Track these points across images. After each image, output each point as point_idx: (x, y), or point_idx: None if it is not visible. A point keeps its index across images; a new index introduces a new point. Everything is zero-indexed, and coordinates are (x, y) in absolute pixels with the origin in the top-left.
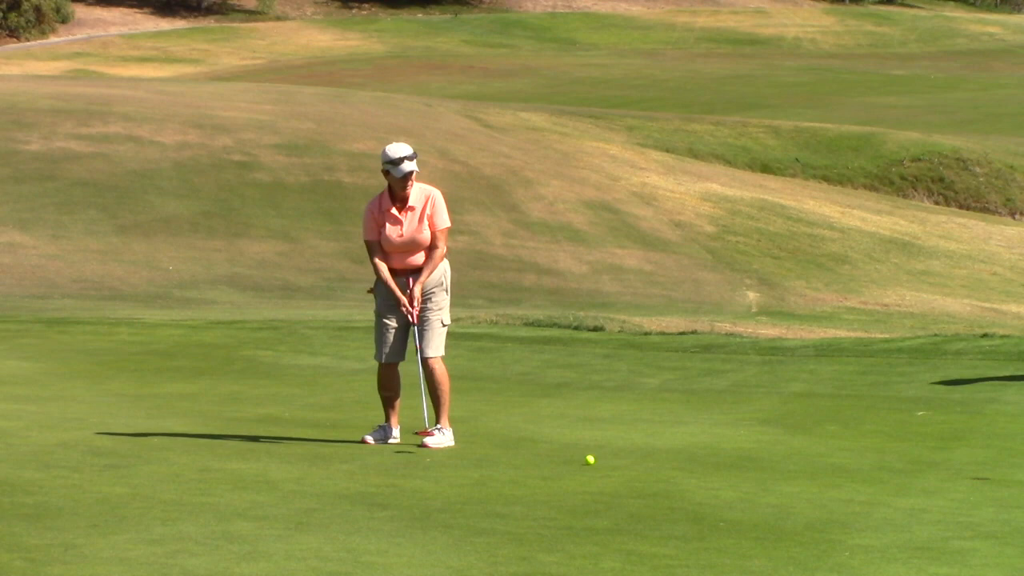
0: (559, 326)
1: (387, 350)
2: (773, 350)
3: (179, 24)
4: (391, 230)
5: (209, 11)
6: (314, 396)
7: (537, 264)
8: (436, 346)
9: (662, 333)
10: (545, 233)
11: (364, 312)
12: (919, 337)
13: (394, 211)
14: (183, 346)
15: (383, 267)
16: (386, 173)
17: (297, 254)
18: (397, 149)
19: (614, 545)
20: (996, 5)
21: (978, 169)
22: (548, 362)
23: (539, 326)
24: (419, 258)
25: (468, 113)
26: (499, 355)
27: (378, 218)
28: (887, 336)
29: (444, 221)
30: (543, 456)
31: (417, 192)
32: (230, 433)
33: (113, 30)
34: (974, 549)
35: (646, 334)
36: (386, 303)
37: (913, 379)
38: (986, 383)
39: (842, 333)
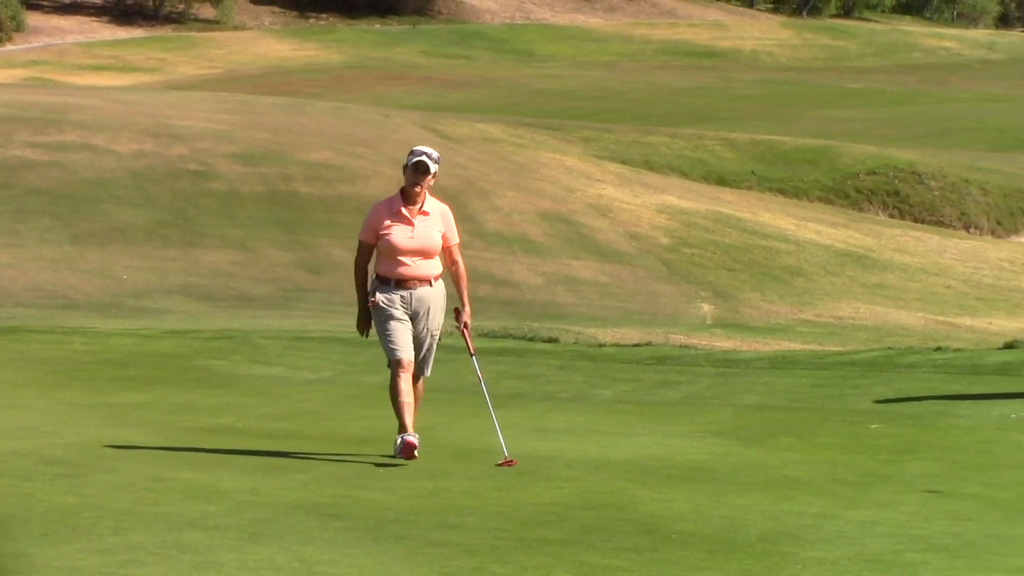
0: (514, 337)
1: (402, 343)
2: (727, 362)
3: (136, 33)
4: (400, 232)
5: (166, 20)
6: (268, 406)
7: (492, 275)
8: (430, 366)
9: (617, 345)
10: (501, 244)
11: (319, 322)
12: (873, 350)
13: (405, 211)
14: (137, 355)
15: (363, 278)
16: (404, 169)
17: (252, 264)
18: (422, 147)
19: (567, 556)
20: (952, 20)
21: (933, 183)
22: (502, 373)
23: (494, 337)
24: (429, 268)
25: (425, 124)
26: (453, 366)
27: (386, 220)
28: (841, 349)
29: (456, 236)
30: (497, 467)
31: (433, 202)
32: (183, 443)
33: (70, 38)
34: (926, 562)
35: (601, 346)
36: (393, 306)
37: (867, 392)
38: (939, 396)
39: (796, 346)
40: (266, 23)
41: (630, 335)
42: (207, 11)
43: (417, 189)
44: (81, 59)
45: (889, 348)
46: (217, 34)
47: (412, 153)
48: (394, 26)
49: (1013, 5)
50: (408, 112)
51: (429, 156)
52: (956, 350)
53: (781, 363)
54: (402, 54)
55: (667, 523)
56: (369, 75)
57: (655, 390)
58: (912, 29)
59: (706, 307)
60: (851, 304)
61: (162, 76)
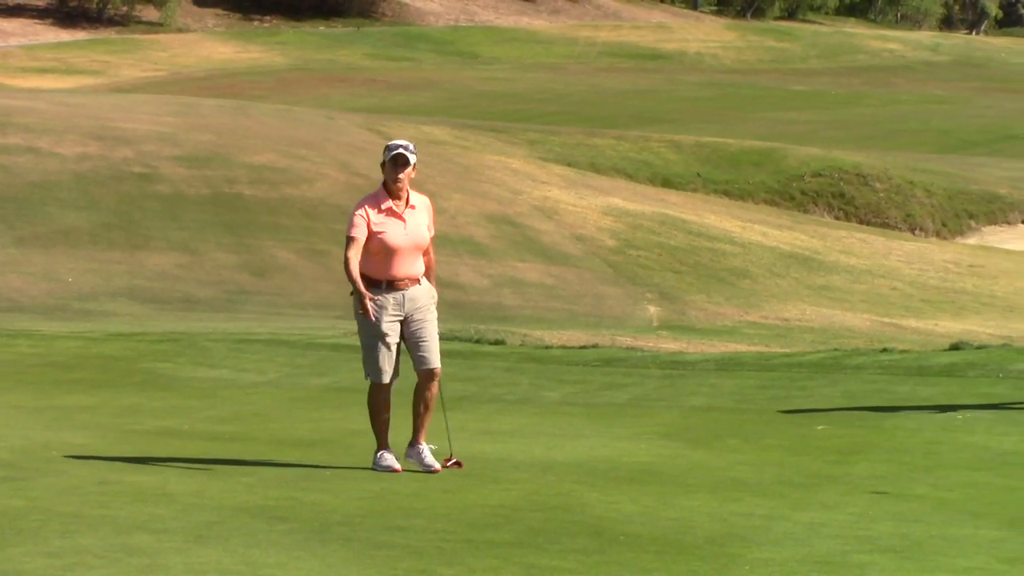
0: (460, 339)
1: (389, 368)
2: (674, 364)
3: (80, 35)
4: (394, 228)
5: (110, 22)
6: (213, 409)
7: (438, 277)
8: (439, 356)
9: (563, 347)
10: (446, 246)
11: (264, 325)
12: (819, 352)
13: (394, 207)
14: (82, 358)
15: (357, 271)
16: (382, 165)
17: (197, 266)
18: (397, 140)
19: (514, 558)
20: (896, 22)
21: (878, 185)
22: (449, 375)
23: (440, 339)
24: (419, 266)
25: (370, 126)
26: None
27: (376, 217)
28: (787, 351)
29: (433, 228)
30: (444, 470)
31: (416, 195)
32: (129, 446)
33: (13, 41)
34: (873, 563)
35: (547, 348)
36: (383, 319)
37: (813, 394)
38: (885, 397)
39: (743, 347)
40: (210, 25)
41: (576, 337)
42: (150, 13)
43: (400, 184)
44: (24, 62)
45: (835, 350)
46: (161, 36)
47: (388, 148)
48: (338, 28)
49: (956, 7)
50: (352, 114)
51: (407, 148)
52: (902, 351)
53: (727, 365)
54: (346, 56)
55: (615, 525)
56: (313, 77)
57: (602, 392)
58: (856, 31)
59: (652, 309)
60: (797, 306)
61: (106, 79)
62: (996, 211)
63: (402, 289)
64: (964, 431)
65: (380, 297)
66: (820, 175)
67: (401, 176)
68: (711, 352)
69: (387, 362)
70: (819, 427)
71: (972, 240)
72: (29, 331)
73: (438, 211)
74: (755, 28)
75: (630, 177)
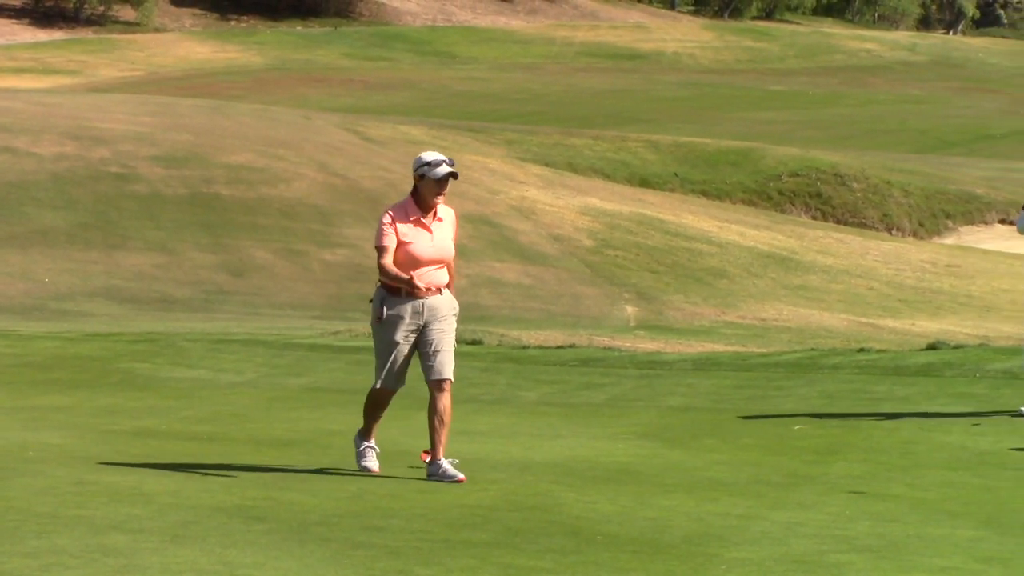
0: None
1: (395, 377)
2: (651, 364)
3: (57, 35)
4: (422, 239)
5: (87, 22)
6: (191, 409)
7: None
8: (453, 368)
9: (540, 347)
10: None
11: (242, 325)
12: (796, 351)
13: (422, 218)
14: (59, 358)
15: (396, 269)
16: (420, 178)
17: (175, 266)
18: (433, 153)
19: (492, 558)
20: (873, 22)
21: (855, 185)
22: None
23: None
24: (442, 276)
25: (347, 126)
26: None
27: (405, 228)
28: (764, 350)
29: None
30: (421, 469)
31: (444, 207)
32: (106, 446)
33: None
34: (850, 562)
35: (525, 348)
36: (399, 329)
37: (790, 393)
38: (863, 398)
39: (720, 347)
40: (187, 25)
41: (554, 337)
42: (128, 13)
43: (440, 200)
44: (1, 61)
45: (812, 349)
46: (138, 36)
47: (433, 163)
48: (316, 28)
49: (934, 7)
50: (330, 114)
51: (452, 164)
52: (879, 351)
53: (705, 365)
54: (324, 56)
55: (592, 525)
56: (291, 77)
57: (579, 392)
58: (833, 31)
59: (630, 309)
60: (774, 306)
61: (83, 78)
62: (973, 211)
63: (422, 298)
64: (941, 431)
65: (398, 309)
66: (797, 175)
67: (443, 192)
68: (688, 352)
69: (399, 371)
70: (796, 427)
71: (949, 240)
72: (6, 331)
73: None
74: (732, 28)
75: (607, 177)
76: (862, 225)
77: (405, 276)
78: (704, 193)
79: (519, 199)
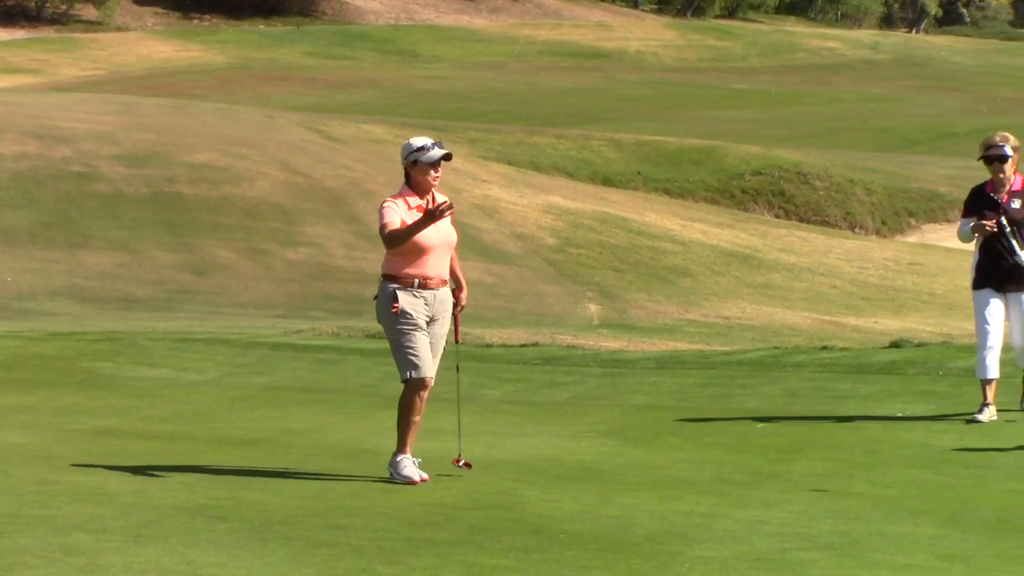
0: None
1: (427, 361)
2: (614, 362)
3: (18, 34)
4: (433, 230)
5: (49, 21)
6: (153, 408)
7: (378, 276)
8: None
9: (504, 345)
10: None
11: (204, 324)
12: (760, 350)
13: (424, 205)
14: (21, 358)
15: (401, 228)
16: (412, 164)
17: (137, 265)
18: (422, 138)
19: (454, 557)
20: (836, 20)
21: (818, 183)
22: (389, 374)
23: (381, 338)
24: (447, 267)
25: (310, 125)
26: (340, 367)
27: (406, 215)
28: (728, 349)
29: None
30: (384, 468)
31: (439, 195)
32: (69, 445)
33: None
34: (813, 560)
35: (488, 346)
36: (418, 315)
37: (753, 391)
38: (826, 396)
39: (683, 346)
40: (149, 24)
41: (517, 335)
42: (90, 12)
43: (436, 183)
44: None
45: (775, 348)
46: (100, 35)
47: (422, 148)
48: (278, 27)
49: (896, 6)
50: (293, 113)
51: (439, 145)
52: (842, 349)
53: (668, 363)
54: (286, 55)
55: (555, 523)
56: (253, 76)
57: (542, 390)
58: (796, 29)
59: (593, 307)
60: (737, 304)
61: (45, 77)
62: (936, 209)
63: (433, 289)
64: (904, 428)
65: (411, 301)
66: (760, 173)
67: (439, 174)
68: (651, 350)
69: (425, 352)
70: (759, 425)
71: (912, 238)
72: None
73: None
74: (695, 27)
75: (570, 176)
76: (825, 223)
77: (415, 221)
78: (667, 191)
79: (482, 198)
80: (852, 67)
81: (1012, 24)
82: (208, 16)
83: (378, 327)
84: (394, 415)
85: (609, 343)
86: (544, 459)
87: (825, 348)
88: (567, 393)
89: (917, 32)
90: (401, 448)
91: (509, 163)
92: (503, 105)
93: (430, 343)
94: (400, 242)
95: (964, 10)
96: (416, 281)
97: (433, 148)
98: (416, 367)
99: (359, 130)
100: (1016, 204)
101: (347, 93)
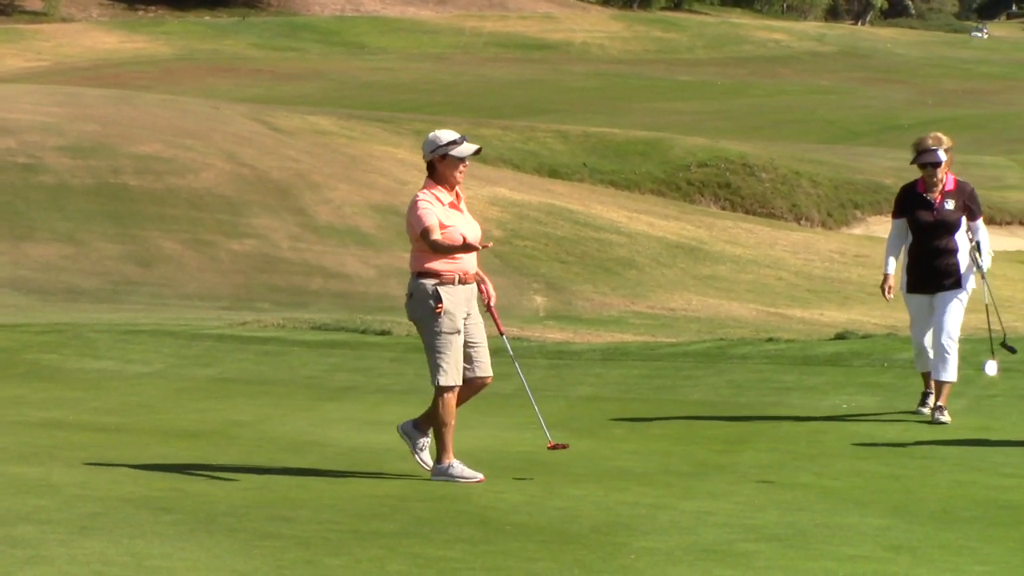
0: (346, 330)
1: (460, 368)
2: (560, 354)
3: None
4: (460, 222)
5: None
6: (98, 400)
7: (324, 268)
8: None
9: None
10: (333, 237)
11: (150, 315)
12: (705, 341)
13: (455, 200)
14: None
15: (447, 239)
16: (441, 159)
17: (82, 257)
18: (448, 132)
19: (400, 548)
20: (782, 12)
21: (764, 175)
22: (335, 366)
23: (326, 330)
24: (475, 261)
25: (256, 116)
26: (286, 359)
27: (440, 211)
28: (673, 340)
29: None
30: (330, 460)
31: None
32: (13, 437)
33: None
34: (758, 551)
35: None
36: (458, 318)
37: (699, 383)
38: (771, 387)
39: (629, 337)
40: (94, 15)
41: None
42: (34, 3)
43: (461, 178)
44: None
45: (721, 339)
46: (45, 26)
47: (454, 142)
48: (223, 18)
49: None
50: (238, 104)
51: (468, 140)
52: (788, 341)
53: (614, 355)
54: (232, 46)
55: (501, 515)
56: (199, 67)
57: None
58: (742, 21)
59: (539, 299)
60: (683, 296)
61: None
62: (881, 201)
63: (470, 284)
64: (849, 420)
65: (454, 299)
66: (706, 165)
67: (464, 169)
68: (597, 342)
69: (460, 360)
70: (705, 417)
71: (857, 230)
72: None
73: (324, 202)
74: (641, 18)
75: (517, 167)
76: (771, 215)
77: (465, 238)
78: (613, 183)
79: None
80: (798, 59)
81: (957, 16)
82: (153, 7)
83: (322, 319)
84: (340, 407)
85: (555, 334)
86: (489, 451)
87: (771, 340)
88: (513, 385)
89: (863, 24)
90: (444, 454)
91: None
92: (449, 97)
93: (474, 338)
94: (446, 254)
95: (909, 2)
96: (457, 277)
97: (463, 143)
98: (449, 375)
99: (305, 121)
100: (950, 205)
101: (293, 84)
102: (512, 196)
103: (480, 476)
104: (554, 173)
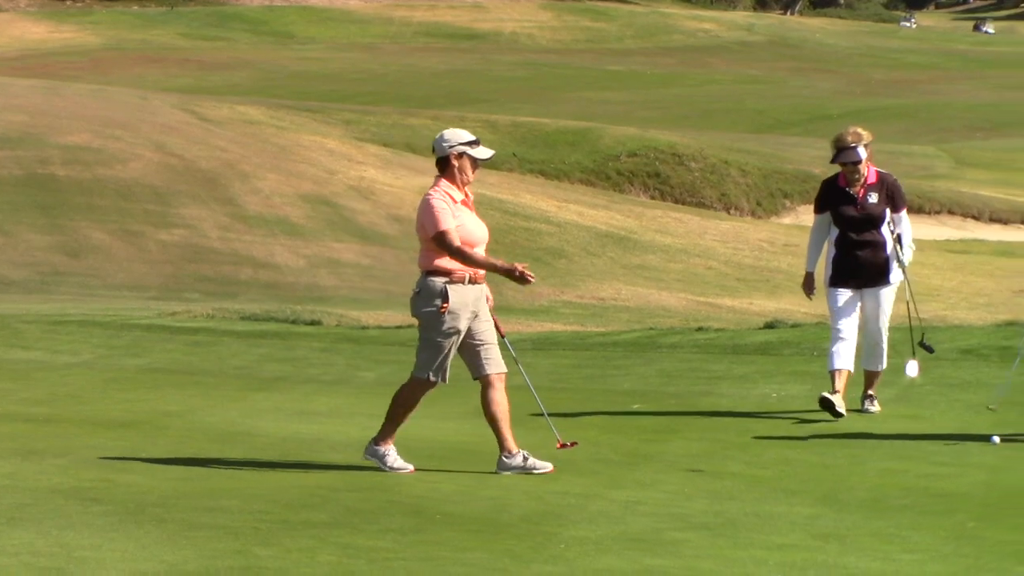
0: (276, 320)
1: (445, 370)
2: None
3: None
4: (471, 220)
5: None
6: (27, 391)
7: (254, 258)
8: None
9: (380, 327)
10: (262, 227)
11: (78, 306)
12: (635, 331)
13: (466, 199)
14: None
15: (472, 253)
16: (459, 156)
17: (10, 248)
18: (463, 131)
19: (331, 538)
20: (711, 2)
21: (693, 164)
22: (265, 356)
23: (256, 320)
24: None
25: (184, 106)
26: (215, 349)
27: (454, 209)
28: (603, 330)
29: None
30: (260, 450)
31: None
32: None
33: None
34: (687, 540)
35: (363, 328)
36: (462, 319)
37: (629, 372)
38: (701, 376)
39: (559, 327)
40: (22, 5)
41: (393, 317)
42: None
43: (472, 179)
44: None
45: (651, 329)
46: None
47: (472, 142)
48: (152, 8)
49: None
50: (167, 94)
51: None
52: (717, 330)
53: (544, 344)
54: (160, 36)
55: (432, 504)
56: (127, 57)
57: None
58: (671, 11)
59: None
60: (613, 285)
61: None
62: (810, 190)
63: (479, 283)
64: (778, 409)
65: (462, 299)
66: (636, 155)
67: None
68: (527, 332)
69: (448, 363)
70: (634, 406)
71: (787, 219)
72: None
73: (253, 192)
74: (571, 8)
75: None
76: (700, 205)
77: (498, 263)
78: (543, 173)
79: (358, 179)
80: (727, 49)
81: (886, 6)
82: None
83: (252, 309)
84: (270, 397)
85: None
86: (421, 440)
87: (700, 329)
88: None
89: (792, 14)
90: (387, 438)
91: (385, 145)
92: (378, 87)
93: (484, 337)
94: (461, 260)
95: None
96: (467, 276)
97: (479, 145)
98: (438, 373)
99: (234, 111)
100: (873, 198)
101: (221, 74)
102: None
103: (411, 468)
104: (483, 163)
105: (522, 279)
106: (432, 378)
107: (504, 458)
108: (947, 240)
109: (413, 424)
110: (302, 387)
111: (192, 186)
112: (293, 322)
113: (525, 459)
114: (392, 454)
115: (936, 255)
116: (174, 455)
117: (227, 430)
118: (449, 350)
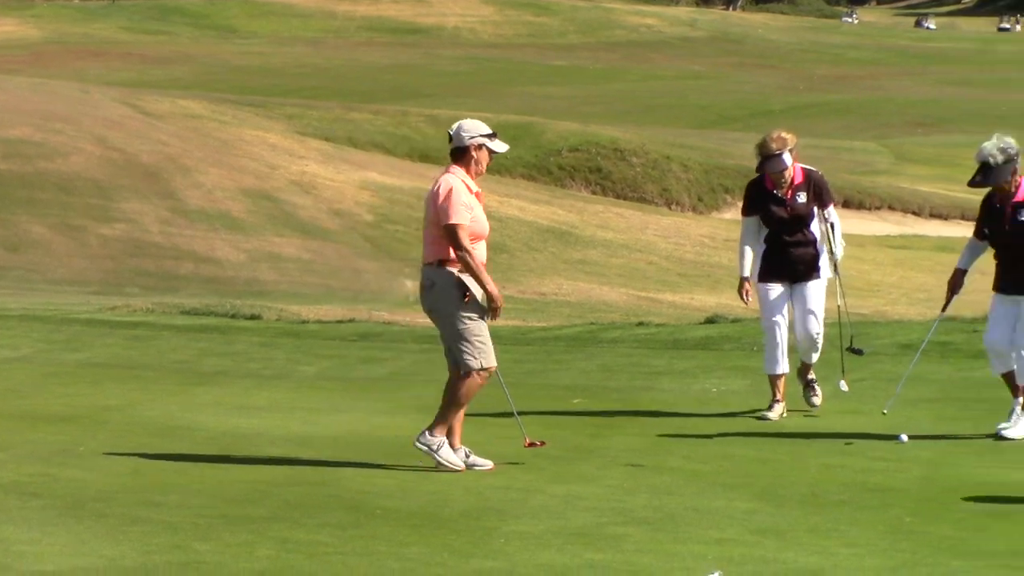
0: (216, 314)
1: (492, 350)
2: (431, 338)
3: None
4: (481, 213)
5: None
6: None
7: (195, 252)
8: None
9: (320, 321)
10: (203, 221)
11: (18, 300)
12: (576, 326)
13: (478, 191)
14: None
15: (480, 261)
16: (479, 148)
17: None
18: (480, 123)
19: (270, 533)
20: None
21: (635, 159)
22: (205, 350)
23: (196, 314)
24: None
25: (126, 100)
26: (155, 343)
27: (468, 201)
28: (544, 325)
29: None
30: (200, 445)
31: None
32: None
33: None
34: (627, 535)
35: (304, 322)
36: (480, 306)
37: (570, 367)
38: (642, 371)
39: (499, 322)
40: None
41: (333, 312)
42: None
43: (483, 171)
44: None
45: (592, 323)
46: None
47: (491, 135)
48: (93, 2)
49: None
50: (108, 88)
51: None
52: (658, 325)
53: None
54: (102, 30)
55: (371, 499)
56: (69, 51)
57: (359, 366)
58: (614, 6)
59: (410, 284)
60: (554, 280)
61: None
62: None
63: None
64: (718, 404)
65: (474, 285)
66: (578, 150)
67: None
68: None
69: (490, 340)
70: (575, 400)
71: (728, 215)
72: None
73: (195, 186)
74: (513, 2)
75: (388, 152)
76: (642, 200)
77: (489, 284)
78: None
79: (299, 174)
80: (669, 44)
81: (828, 2)
82: None
83: (192, 303)
84: (210, 392)
85: (425, 319)
86: (360, 435)
87: (641, 324)
88: (384, 369)
89: (734, 10)
90: (450, 434)
91: (326, 139)
92: (321, 81)
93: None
94: (462, 261)
95: None
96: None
97: (496, 138)
98: (488, 356)
99: (175, 105)
100: (801, 198)
101: (163, 68)
102: (383, 180)
103: (462, 466)
104: (425, 157)
105: (494, 313)
106: (486, 364)
107: (428, 433)
108: (887, 236)
109: (353, 418)
110: (242, 381)
111: (133, 180)
112: (233, 316)
113: (442, 448)
114: (448, 449)
115: (876, 250)
116: (114, 450)
117: (167, 424)
118: (485, 334)
